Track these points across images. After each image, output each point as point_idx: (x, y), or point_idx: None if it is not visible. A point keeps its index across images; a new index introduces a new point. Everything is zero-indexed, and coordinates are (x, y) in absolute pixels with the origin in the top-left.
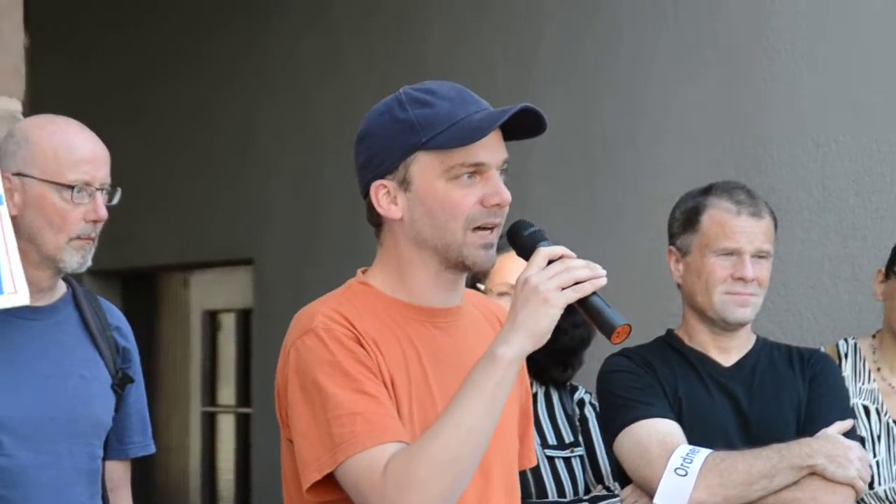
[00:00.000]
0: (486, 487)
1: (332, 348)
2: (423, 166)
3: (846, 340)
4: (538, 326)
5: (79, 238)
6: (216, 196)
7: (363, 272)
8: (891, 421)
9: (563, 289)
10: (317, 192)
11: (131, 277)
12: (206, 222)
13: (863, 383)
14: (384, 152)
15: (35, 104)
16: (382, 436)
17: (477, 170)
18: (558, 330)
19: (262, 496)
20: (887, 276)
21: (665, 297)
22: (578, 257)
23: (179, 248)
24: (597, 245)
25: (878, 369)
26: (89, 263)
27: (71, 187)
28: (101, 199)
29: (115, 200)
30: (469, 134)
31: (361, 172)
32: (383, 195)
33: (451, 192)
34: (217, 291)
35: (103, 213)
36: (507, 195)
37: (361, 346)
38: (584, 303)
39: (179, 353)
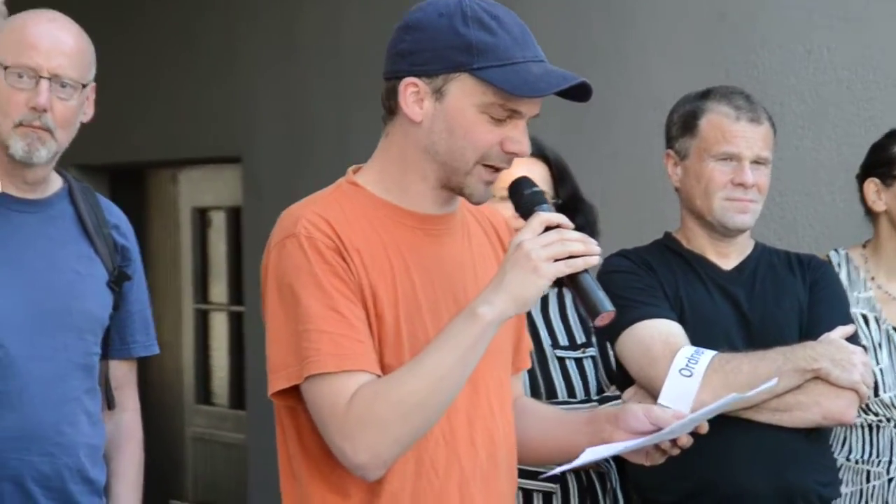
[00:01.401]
0: (475, 395)
1: (311, 258)
2: (462, 88)
3: (837, 251)
4: (523, 294)
5: (21, 125)
6: (205, 93)
7: (354, 171)
8: (890, 328)
9: (556, 260)
10: (305, 91)
11: (119, 173)
12: (195, 119)
13: (859, 292)
14: (431, 56)
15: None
16: (346, 361)
17: (510, 114)
18: None
19: (256, 393)
20: (888, 183)
21: (658, 200)
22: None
23: (168, 144)
24: (588, 150)
25: (873, 278)
26: (43, 155)
27: (11, 70)
28: (45, 86)
29: (74, 100)
30: (522, 85)
31: (395, 58)
32: (412, 93)
33: (478, 124)
34: (206, 189)
35: (42, 102)
36: (527, 147)
37: (342, 257)
38: (573, 278)
39: (170, 251)
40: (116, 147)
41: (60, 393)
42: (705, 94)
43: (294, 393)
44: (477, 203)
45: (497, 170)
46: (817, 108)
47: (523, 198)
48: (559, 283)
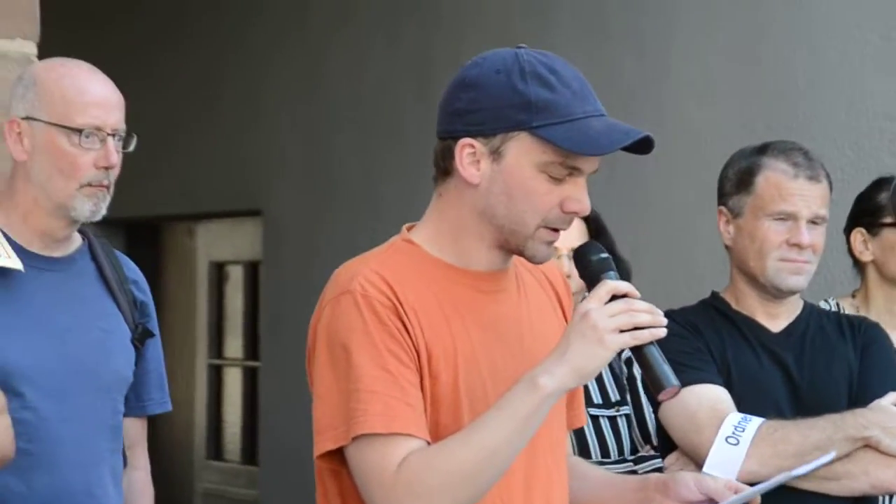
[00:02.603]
0: (532, 456)
1: (366, 316)
2: (521, 147)
3: (827, 301)
4: (587, 366)
5: (90, 185)
6: (225, 145)
7: (408, 229)
8: None
9: (622, 331)
10: (329, 145)
11: (136, 227)
12: (214, 173)
13: None
14: (488, 115)
15: (47, 53)
16: (395, 423)
17: (570, 172)
18: None
19: (269, 450)
20: (872, 232)
21: (690, 251)
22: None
23: (185, 197)
24: (618, 198)
25: None
26: (103, 212)
27: (79, 131)
28: (112, 144)
29: (132, 147)
30: (585, 143)
31: (451, 117)
32: (468, 154)
33: (538, 185)
34: (224, 243)
35: (114, 159)
36: (587, 206)
37: (398, 317)
38: (639, 350)
39: (185, 305)
40: (132, 200)
41: (90, 455)
42: (762, 150)
43: (340, 456)
44: (539, 263)
45: (557, 231)
46: (857, 160)
47: (591, 264)
48: None
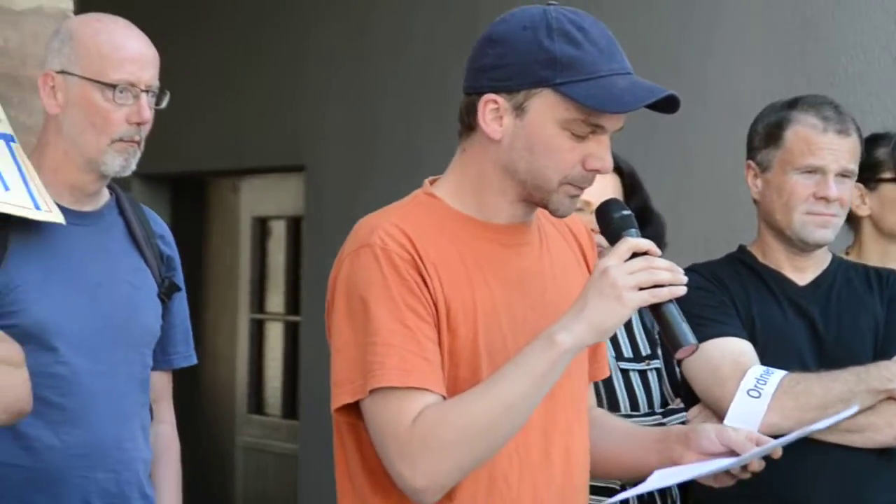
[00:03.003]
0: (552, 408)
1: (385, 270)
2: (545, 104)
3: None
4: (605, 323)
5: (121, 140)
6: (269, 101)
7: (431, 182)
8: None
9: (641, 289)
10: (373, 103)
11: (180, 182)
12: (259, 128)
13: None
14: (513, 71)
15: (85, 9)
16: (411, 377)
17: (593, 130)
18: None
19: (310, 405)
20: (871, 187)
21: (730, 209)
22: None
23: (230, 153)
24: (660, 156)
25: None
26: (133, 168)
27: (113, 86)
28: (145, 100)
29: (164, 104)
30: (608, 101)
31: (477, 73)
32: (491, 110)
33: (560, 142)
34: (267, 198)
35: (147, 116)
36: (610, 164)
37: (417, 271)
38: (657, 308)
39: (228, 260)
40: (178, 156)
41: (122, 408)
42: (792, 104)
43: (357, 409)
44: (562, 217)
45: (581, 188)
46: None
47: (612, 221)
48: None
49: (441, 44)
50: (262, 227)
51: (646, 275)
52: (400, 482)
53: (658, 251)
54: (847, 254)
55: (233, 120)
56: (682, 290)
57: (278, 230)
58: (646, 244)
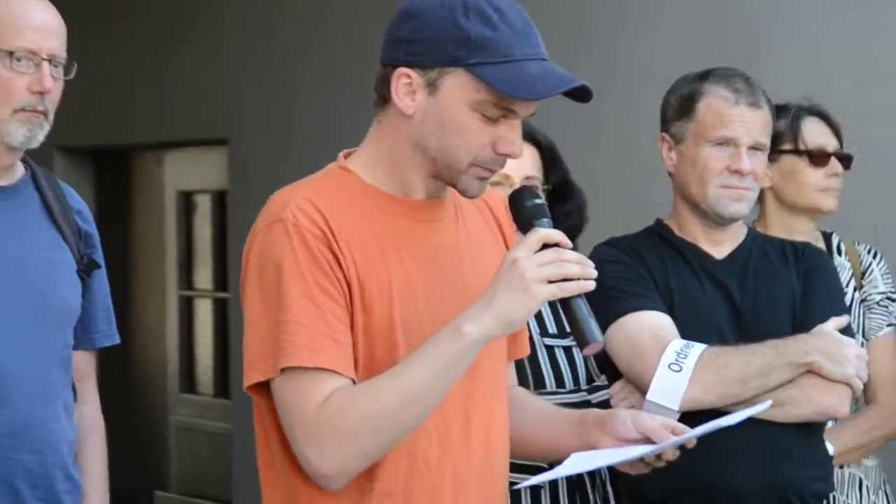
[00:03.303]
0: (471, 388)
1: (296, 246)
2: (457, 83)
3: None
4: (512, 316)
5: (23, 110)
6: (192, 75)
7: (346, 156)
8: None
9: (550, 282)
10: (293, 75)
11: (103, 155)
12: (182, 101)
13: None
14: (427, 47)
15: None
16: (320, 357)
17: (504, 113)
18: (553, 220)
19: (241, 382)
20: (772, 159)
21: (648, 183)
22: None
23: (154, 126)
24: (579, 130)
25: None
26: (40, 139)
27: (11, 54)
28: (47, 69)
29: (71, 75)
30: (519, 87)
31: (393, 45)
32: (404, 84)
33: (471, 123)
34: (191, 172)
35: (48, 84)
36: (520, 149)
37: (329, 248)
38: (565, 303)
39: (154, 235)
40: (101, 129)
41: (45, 388)
42: (704, 76)
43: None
44: (471, 198)
45: (491, 170)
46: (814, 89)
47: (523, 210)
48: None
49: (362, 13)
50: (186, 201)
51: (555, 268)
52: (306, 466)
53: (569, 243)
54: (753, 226)
55: (154, 92)
56: (591, 285)
57: (203, 204)
58: (557, 236)
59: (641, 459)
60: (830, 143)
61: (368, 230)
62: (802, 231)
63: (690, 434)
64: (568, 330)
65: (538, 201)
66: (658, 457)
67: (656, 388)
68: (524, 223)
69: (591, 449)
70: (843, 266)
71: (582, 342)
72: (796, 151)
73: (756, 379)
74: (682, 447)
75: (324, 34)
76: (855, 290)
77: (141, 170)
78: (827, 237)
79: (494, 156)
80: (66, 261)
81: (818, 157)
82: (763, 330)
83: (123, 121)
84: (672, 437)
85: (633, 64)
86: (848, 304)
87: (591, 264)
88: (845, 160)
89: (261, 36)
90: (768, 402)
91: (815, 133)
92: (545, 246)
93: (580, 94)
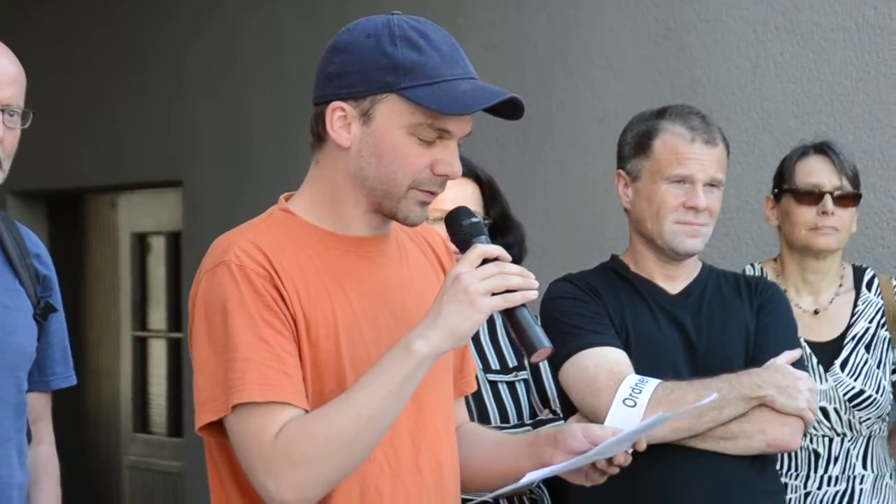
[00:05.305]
0: (419, 417)
1: (242, 286)
2: (390, 109)
3: (752, 266)
4: (460, 328)
5: None
6: (145, 117)
7: (286, 198)
8: (803, 341)
9: (493, 294)
10: (247, 118)
11: (57, 199)
12: (135, 143)
13: None
14: (357, 78)
15: None
16: (272, 392)
17: (440, 135)
18: None
19: (193, 419)
20: (777, 198)
21: (600, 218)
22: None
23: (107, 169)
24: (531, 166)
25: (784, 291)
26: None
27: None
28: None
29: (27, 124)
30: (450, 103)
31: (324, 82)
32: (339, 118)
33: (407, 147)
34: (145, 214)
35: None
36: (458, 169)
37: (274, 287)
38: (510, 312)
39: (108, 277)
40: (54, 172)
41: None
42: (660, 114)
43: (223, 427)
44: (412, 225)
45: (431, 193)
46: (763, 123)
47: (462, 228)
48: None
49: (315, 56)
50: (141, 243)
51: (498, 279)
52: (265, 496)
53: (508, 256)
54: (775, 261)
55: (109, 136)
56: (534, 294)
57: (158, 246)
58: (496, 250)
59: (594, 467)
60: (828, 182)
61: (312, 267)
62: (813, 269)
63: (634, 430)
64: (511, 365)
65: (475, 220)
66: (610, 462)
67: (611, 422)
68: (463, 242)
69: (545, 466)
70: (872, 302)
71: (530, 350)
72: (790, 191)
73: (709, 413)
74: (638, 462)
75: (277, 76)
76: (881, 327)
77: (95, 212)
78: (858, 272)
79: (433, 177)
80: (22, 305)
81: (806, 196)
82: (717, 364)
83: (77, 163)
84: (612, 437)
85: (588, 102)
86: (868, 340)
87: (532, 276)
88: (847, 198)
89: (214, 78)
90: (714, 395)
91: (809, 172)
92: (486, 261)
93: (511, 112)
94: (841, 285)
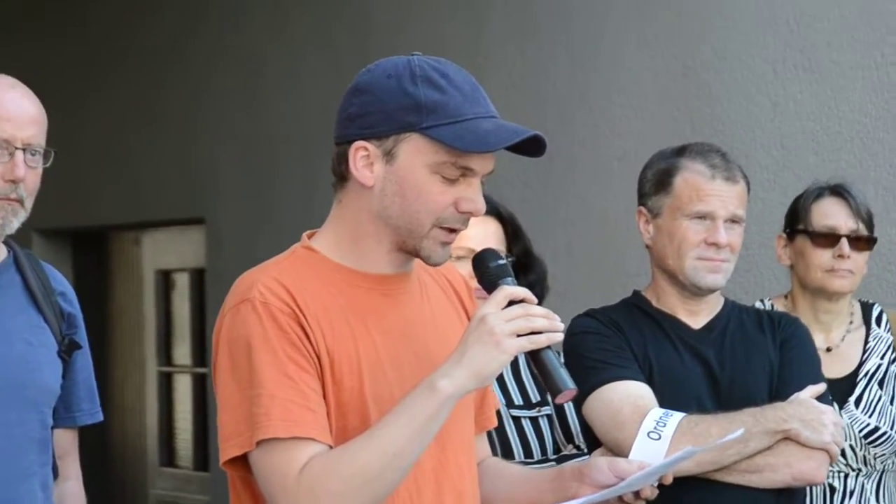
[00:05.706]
0: (442, 455)
1: (266, 324)
2: (413, 148)
3: (762, 301)
4: (485, 369)
5: None
6: (168, 155)
7: (309, 236)
8: None
9: (519, 336)
10: (269, 153)
11: (82, 237)
12: (158, 181)
13: None
14: (380, 117)
15: None
16: (296, 428)
17: (463, 173)
18: None
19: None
20: (791, 238)
21: (622, 254)
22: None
23: (130, 207)
24: (553, 203)
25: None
26: (15, 226)
27: None
28: (20, 158)
29: (48, 163)
30: (474, 141)
31: (346, 123)
32: (362, 157)
33: (431, 185)
34: (169, 251)
35: (20, 174)
36: (482, 206)
37: (298, 324)
38: (535, 354)
39: (133, 313)
40: (78, 210)
41: (18, 470)
42: (680, 151)
43: (247, 462)
44: (435, 265)
45: (454, 231)
46: (783, 161)
47: (488, 270)
48: None
49: (333, 90)
50: (165, 279)
51: (523, 321)
52: None
53: (534, 299)
54: (786, 298)
55: (131, 173)
56: (560, 336)
57: (182, 282)
58: (522, 292)
59: (620, 499)
60: (844, 225)
61: (335, 305)
62: (825, 309)
63: (661, 464)
64: (534, 400)
65: (501, 262)
66: (637, 495)
67: (636, 455)
68: (489, 283)
69: (570, 500)
70: (883, 338)
71: (554, 391)
72: (805, 231)
73: (734, 446)
74: (660, 485)
75: (301, 113)
76: (892, 363)
77: (119, 249)
78: (866, 307)
79: (457, 214)
80: (46, 342)
81: (822, 238)
82: (740, 399)
83: (101, 201)
84: (639, 472)
85: (608, 140)
86: (881, 376)
87: (558, 318)
88: (862, 241)
89: (237, 115)
90: (741, 430)
91: (825, 214)
92: (511, 303)
93: (534, 149)
94: (851, 322)
